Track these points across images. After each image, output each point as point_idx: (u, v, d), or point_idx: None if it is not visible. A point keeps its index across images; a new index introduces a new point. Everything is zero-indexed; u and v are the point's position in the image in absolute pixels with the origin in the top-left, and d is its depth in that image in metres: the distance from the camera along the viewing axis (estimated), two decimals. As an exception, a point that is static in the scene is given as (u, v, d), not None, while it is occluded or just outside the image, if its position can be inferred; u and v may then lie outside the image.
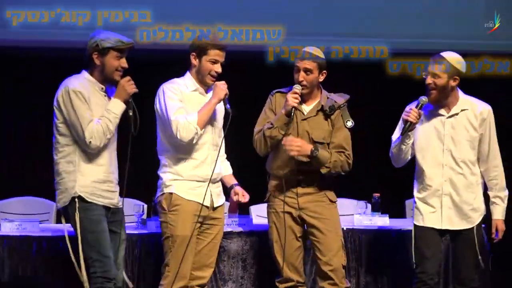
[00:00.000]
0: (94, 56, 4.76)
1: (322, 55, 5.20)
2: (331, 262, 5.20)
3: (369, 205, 6.08)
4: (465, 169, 5.09)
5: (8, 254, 5.39)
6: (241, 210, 5.98)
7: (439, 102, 5.06)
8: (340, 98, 5.26)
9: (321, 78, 5.22)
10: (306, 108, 5.25)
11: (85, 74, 4.82)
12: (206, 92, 5.09)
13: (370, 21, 7.46)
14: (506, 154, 5.23)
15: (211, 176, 5.02)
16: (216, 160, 5.07)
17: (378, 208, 6.14)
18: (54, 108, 4.78)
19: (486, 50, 7.57)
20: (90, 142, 4.69)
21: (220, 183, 5.19)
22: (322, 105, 5.23)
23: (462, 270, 5.11)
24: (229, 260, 5.72)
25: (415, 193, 5.17)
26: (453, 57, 5.05)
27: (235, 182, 5.29)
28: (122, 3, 6.95)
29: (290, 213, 5.24)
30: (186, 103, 5.01)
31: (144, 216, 5.83)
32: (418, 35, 7.25)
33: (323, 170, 5.15)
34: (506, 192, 5.17)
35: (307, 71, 5.16)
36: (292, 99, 5.10)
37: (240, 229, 5.77)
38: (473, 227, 5.08)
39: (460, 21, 7.56)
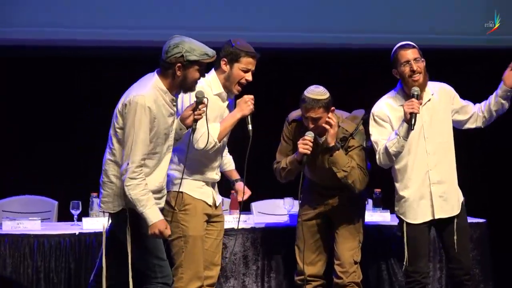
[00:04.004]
0: (176, 67, 4.48)
1: (325, 95, 5.07)
2: (341, 256, 5.28)
3: (370, 201, 6.07)
4: (448, 151, 5.09)
5: (10, 253, 5.39)
6: (242, 206, 5.98)
7: (423, 88, 5.03)
8: (351, 124, 5.20)
9: (331, 114, 5.11)
10: (320, 139, 5.19)
11: (157, 81, 4.53)
12: (227, 99, 4.96)
13: (369, 20, 7.46)
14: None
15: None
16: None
17: (379, 203, 6.14)
18: (118, 111, 4.50)
19: (486, 50, 7.59)
20: (123, 174, 4.45)
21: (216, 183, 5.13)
22: None
23: (463, 260, 5.09)
24: (230, 257, 5.72)
25: (402, 193, 5.10)
26: (413, 43, 5.11)
27: (237, 177, 5.30)
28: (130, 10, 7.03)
29: (315, 208, 5.31)
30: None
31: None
32: (417, 35, 7.29)
33: (340, 174, 5.12)
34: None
35: (316, 119, 5.08)
36: (303, 148, 5.05)
37: (241, 226, 5.76)
38: (459, 212, 5.09)
39: (460, 21, 7.56)
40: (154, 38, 6.68)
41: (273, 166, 5.32)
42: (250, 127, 4.88)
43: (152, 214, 4.45)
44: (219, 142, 4.85)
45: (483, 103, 5.19)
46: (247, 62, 4.89)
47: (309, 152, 5.05)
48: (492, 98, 5.15)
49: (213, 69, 4.96)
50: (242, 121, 4.91)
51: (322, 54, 7.57)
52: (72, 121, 7.40)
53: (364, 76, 7.52)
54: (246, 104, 4.86)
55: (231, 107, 5.02)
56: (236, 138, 5.15)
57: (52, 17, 7.01)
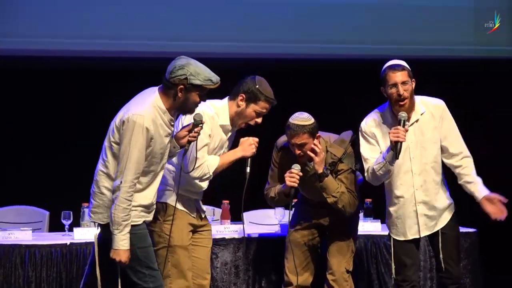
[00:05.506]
0: (178, 89, 4.46)
1: (310, 121, 5.08)
2: (333, 266, 5.30)
3: (361, 211, 6.09)
4: (434, 171, 5.06)
5: (1, 263, 5.39)
6: (233, 216, 5.99)
7: (411, 109, 4.99)
8: (339, 148, 5.21)
9: (317, 141, 5.11)
10: (310, 164, 5.19)
11: (157, 99, 4.51)
12: (230, 132, 4.97)
13: (368, 27, 7.49)
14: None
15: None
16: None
17: (370, 213, 6.16)
18: (115, 125, 4.48)
19: (484, 55, 7.62)
20: (115, 190, 4.44)
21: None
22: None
23: (451, 269, 5.08)
24: (221, 267, 5.73)
25: (389, 208, 5.11)
26: (403, 62, 5.04)
27: None
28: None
29: (307, 219, 5.35)
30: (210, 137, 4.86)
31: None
32: (415, 46, 7.36)
33: (330, 199, 5.14)
34: (479, 179, 5.06)
35: (301, 145, 5.08)
36: (290, 181, 5.05)
37: (232, 235, 5.78)
38: (448, 223, 5.08)
39: (459, 23, 7.59)
40: (150, 49, 6.74)
41: (264, 191, 5.34)
42: (248, 169, 4.89)
43: (122, 241, 4.46)
44: (213, 175, 4.87)
45: (465, 172, 5.05)
46: (264, 107, 4.91)
47: (296, 185, 5.06)
48: (468, 184, 5.03)
49: (226, 98, 4.95)
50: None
51: (317, 65, 7.59)
52: (64, 132, 7.40)
53: (358, 87, 7.53)
54: (250, 146, 4.89)
55: (231, 138, 5.03)
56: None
57: (47, 28, 7.05)
